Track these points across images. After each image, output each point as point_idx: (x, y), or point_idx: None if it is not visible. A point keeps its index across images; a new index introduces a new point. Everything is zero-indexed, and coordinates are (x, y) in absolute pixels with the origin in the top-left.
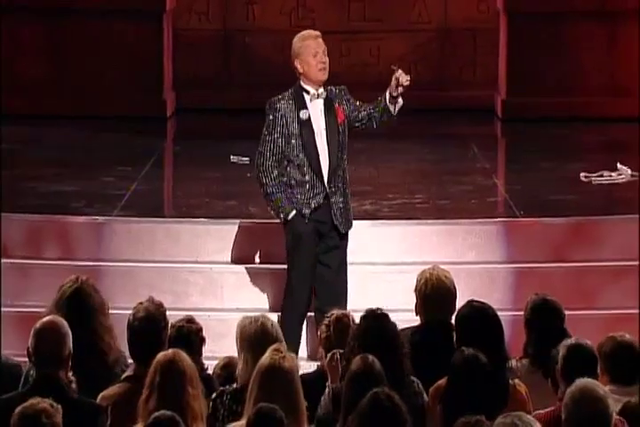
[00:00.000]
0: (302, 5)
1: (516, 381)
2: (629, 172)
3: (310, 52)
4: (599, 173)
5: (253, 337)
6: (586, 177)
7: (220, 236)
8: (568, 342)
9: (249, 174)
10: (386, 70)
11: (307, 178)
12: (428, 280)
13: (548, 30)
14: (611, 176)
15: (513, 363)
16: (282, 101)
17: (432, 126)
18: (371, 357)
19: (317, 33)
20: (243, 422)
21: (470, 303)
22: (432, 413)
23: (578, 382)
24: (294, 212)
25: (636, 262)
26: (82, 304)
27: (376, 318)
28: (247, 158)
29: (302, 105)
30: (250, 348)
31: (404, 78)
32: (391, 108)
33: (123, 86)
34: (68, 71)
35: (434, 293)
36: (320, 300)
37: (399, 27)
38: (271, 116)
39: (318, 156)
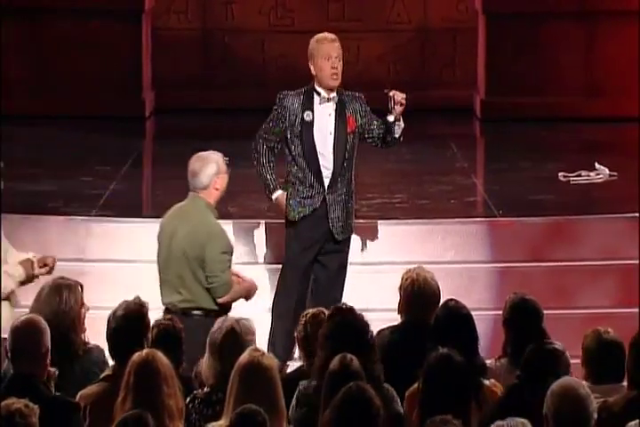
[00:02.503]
0: (281, 5)
1: (492, 381)
2: (607, 171)
3: (323, 55)
4: (577, 173)
5: (219, 341)
6: (564, 177)
7: None
8: (536, 345)
9: None
10: (365, 70)
11: (306, 178)
12: (415, 281)
13: (527, 30)
14: (589, 176)
15: (491, 362)
16: (290, 98)
17: (411, 126)
18: (349, 356)
19: (334, 36)
20: (222, 422)
21: (446, 303)
22: (409, 417)
23: (560, 381)
24: (279, 192)
25: (614, 262)
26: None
27: (341, 314)
28: (226, 159)
29: (309, 106)
30: (214, 351)
31: (400, 96)
32: (394, 132)
33: (101, 86)
34: (47, 71)
35: (420, 293)
36: (314, 301)
37: (378, 26)
38: (277, 109)
39: (318, 158)
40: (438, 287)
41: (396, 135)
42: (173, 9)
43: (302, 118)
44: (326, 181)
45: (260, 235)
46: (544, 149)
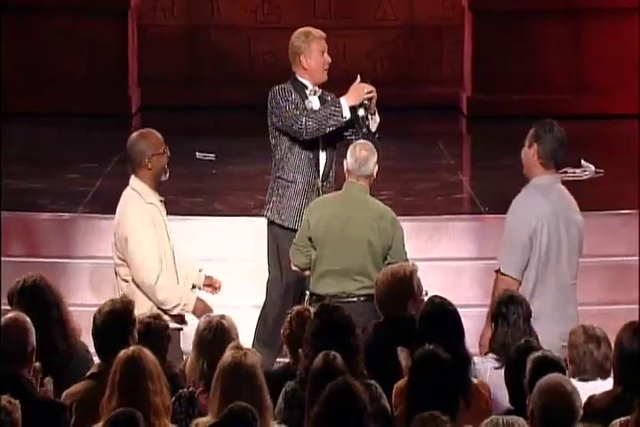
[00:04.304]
0: (268, 2)
1: (480, 380)
2: (593, 168)
3: (321, 50)
4: (563, 170)
5: (203, 339)
6: None
7: (186, 232)
8: (535, 355)
9: (214, 171)
10: (352, 67)
11: (304, 169)
12: (384, 275)
13: (513, 28)
14: (575, 173)
15: (478, 358)
16: (286, 88)
17: (398, 123)
18: (332, 353)
19: (323, 33)
20: (209, 417)
21: (431, 300)
22: (395, 412)
23: (546, 377)
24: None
25: (600, 259)
26: (38, 299)
27: (327, 311)
28: (213, 155)
29: (305, 97)
30: (204, 349)
31: (367, 88)
32: (369, 125)
33: (88, 83)
34: (33, 68)
35: (389, 288)
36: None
37: (365, 24)
38: (288, 96)
39: (319, 150)
40: (411, 281)
41: (372, 129)
42: (159, 6)
43: (304, 107)
44: (321, 171)
45: (246, 231)
46: None
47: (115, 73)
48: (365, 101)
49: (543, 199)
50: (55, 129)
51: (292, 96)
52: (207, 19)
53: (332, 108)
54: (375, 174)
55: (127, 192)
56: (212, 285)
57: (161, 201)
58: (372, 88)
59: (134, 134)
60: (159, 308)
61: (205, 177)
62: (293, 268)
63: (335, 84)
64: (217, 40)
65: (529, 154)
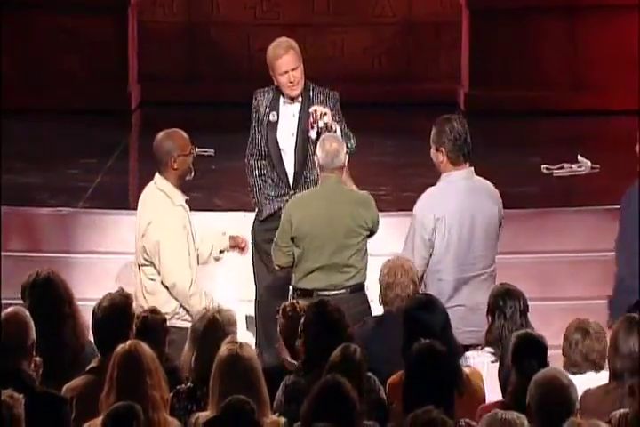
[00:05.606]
0: None
1: (470, 368)
2: (589, 164)
3: (279, 71)
4: (560, 166)
5: (200, 332)
6: (547, 169)
7: None
8: (518, 332)
9: (213, 167)
10: (350, 63)
11: (273, 176)
12: (389, 270)
13: (511, 24)
14: (571, 168)
15: (474, 353)
16: (264, 95)
17: (395, 119)
18: (353, 346)
19: (287, 44)
20: (207, 412)
21: (416, 296)
22: (391, 406)
23: (544, 370)
24: (266, 210)
25: (597, 253)
26: (51, 294)
27: (316, 307)
28: (212, 151)
29: (275, 106)
30: (196, 342)
31: (320, 111)
32: None
33: (87, 79)
34: (33, 64)
35: (394, 283)
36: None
37: (363, 20)
38: (253, 110)
39: (282, 158)
40: (413, 277)
41: None
42: (159, 2)
43: (268, 119)
44: (290, 181)
45: (245, 227)
46: (527, 141)
47: (114, 70)
48: (320, 123)
49: (445, 196)
50: (55, 125)
51: (259, 110)
52: (206, 15)
53: (254, 202)
54: (346, 163)
55: (152, 192)
56: (237, 245)
57: (186, 201)
58: (325, 110)
59: (161, 134)
60: (185, 309)
61: (204, 173)
62: (276, 267)
63: (333, 80)
64: (216, 37)
65: (438, 157)
